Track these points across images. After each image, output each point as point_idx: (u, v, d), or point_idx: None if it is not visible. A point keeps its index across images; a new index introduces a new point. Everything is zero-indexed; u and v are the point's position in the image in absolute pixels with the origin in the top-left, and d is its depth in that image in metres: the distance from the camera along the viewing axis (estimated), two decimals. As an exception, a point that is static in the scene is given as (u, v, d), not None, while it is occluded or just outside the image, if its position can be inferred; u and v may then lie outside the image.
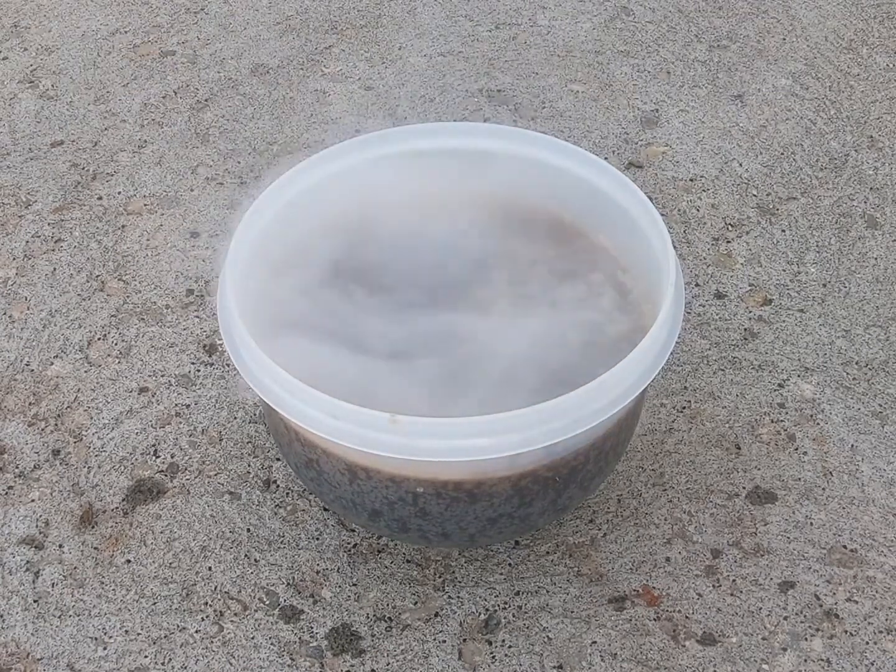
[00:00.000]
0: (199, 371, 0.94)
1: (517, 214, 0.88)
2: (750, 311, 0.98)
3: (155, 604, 0.80)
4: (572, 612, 0.79)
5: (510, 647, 0.77)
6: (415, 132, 0.88)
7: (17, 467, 0.88)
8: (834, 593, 0.79)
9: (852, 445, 0.88)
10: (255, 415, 0.91)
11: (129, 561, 0.82)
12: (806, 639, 0.77)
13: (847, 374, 0.93)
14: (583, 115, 1.18)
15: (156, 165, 1.14)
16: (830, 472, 0.86)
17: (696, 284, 1.01)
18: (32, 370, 0.95)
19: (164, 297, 1.01)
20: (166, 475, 0.87)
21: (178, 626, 0.79)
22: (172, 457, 0.89)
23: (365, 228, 0.87)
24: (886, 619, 0.78)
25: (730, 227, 1.06)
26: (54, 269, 1.04)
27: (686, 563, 0.81)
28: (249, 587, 0.80)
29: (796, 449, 0.88)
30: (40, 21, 1.33)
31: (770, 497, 0.85)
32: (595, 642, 0.77)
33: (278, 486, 0.86)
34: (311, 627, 0.78)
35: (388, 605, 0.79)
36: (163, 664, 0.77)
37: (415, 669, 0.76)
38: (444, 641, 0.78)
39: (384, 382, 0.78)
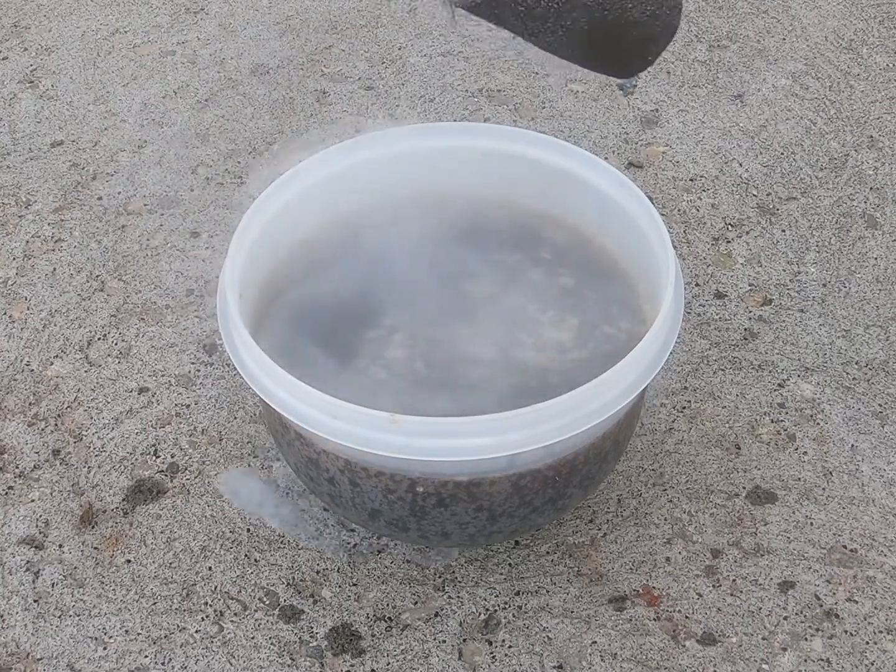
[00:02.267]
0: (199, 371, 0.94)
1: (517, 214, 0.88)
2: (750, 311, 0.98)
3: (155, 604, 0.80)
4: (572, 612, 0.79)
5: (510, 647, 0.77)
6: (415, 132, 0.88)
7: (17, 467, 0.88)
8: (834, 593, 0.79)
9: (852, 445, 0.88)
10: (255, 415, 0.91)
11: (129, 561, 0.82)
12: (806, 639, 0.77)
13: (847, 374, 0.93)
14: (583, 115, 1.18)
15: (156, 165, 1.14)
16: (830, 472, 0.86)
17: (696, 284, 1.01)
18: (32, 370, 0.95)
19: (164, 297, 1.01)
20: (166, 475, 0.87)
21: (178, 626, 0.79)
22: (172, 457, 0.89)
23: (365, 228, 0.87)
24: (886, 619, 0.78)
25: (730, 227, 1.06)
26: (54, 269, 1.04)
27: (686, 563, 0.81)
28: (249, 587, 0.80)
29: (796, 449, 0.88)
30: (40, 21, 1.33)
31: (770, 497, 0.85)
32: (595, 642, 0.77)
33: (278, 486, 0.86)
34: (311, 627, 0.78)
35: (388, 605, 0.79)
36: (163, 664, 0.77)
37: (415, 669, 0.76)
38: (444, 641, 0.78)
39: (381, 383, 0.78)
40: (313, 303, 0.83)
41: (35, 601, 0.80)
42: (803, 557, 0.81)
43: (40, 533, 0.84)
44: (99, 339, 0.97)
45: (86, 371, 0.95)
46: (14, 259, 1.05)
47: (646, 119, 1.17)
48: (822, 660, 0.76)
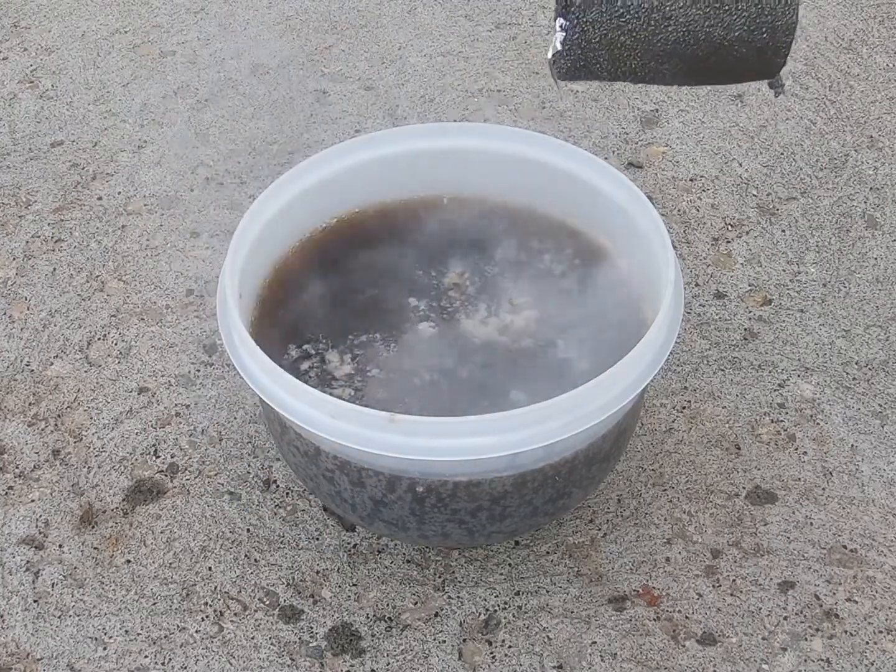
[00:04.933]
0: (199, 371, 0.94)
1: (517, 214, 0.88)
2: (750, 311, 0.98)
3: (155, 604, 0.80)
4: (572, 612, 0.79)
5: (510, 647, 0.77)
6: (415, 132, 0.88)
7: (17, 467, 0.88)
8: (834, 593, 0.79)
9: (852, 445, 0.88)
10: (255, 415, 0.91)
11: (129, 561, 0.82)
12: (806, 639, 0.77)
13: (847, 374, 0.93)
14: (583, 115, 1.18)
15: (156, 165, 1.14)
16: (830, 472, 0.86)
17: (696, 284, 1.01)
18: (32, 370, 0.95)
19: (164, 297, 1.01)
20: (166, 475, 0.87)
21: (178, 626, 0.79)
22: (172, 457, 0.89)
23: (364, 228, 0.87)
24: (886, 619, 0.78)
25: (730, 227, 1.06)
26: (54, 269, 1.04)
27: (686, 563, 0.81)
28: (249, 587, 0.80)
29: (796, 449, 0.88)
30: (40, 21, 1.33)
31: (770, 497, 0.85)
32: (595, 642, 0.77)
33: (278, 486, 0.86)
34: (311, 627, 0.78)
35: (388, 605, 0.79)
36: (163, 664, 0.77)
37: (415, 669, 0.76)
38: (444, 641, 0.78)
39: (382, 381, 0.78)
40: (313, 303, 0.83)
41: (35, 601, 0.80)
42: (803, 557, 0.81)
43: (40, 533, 0.84)
44: (99, 339, 0.97)
45: (86, 371, 0.95)
46: (14, 259, 1.05)
47: (646, 119, 1.17)
48: (822, 660, 0.76)
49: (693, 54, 0.64)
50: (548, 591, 0.80)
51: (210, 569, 0.82)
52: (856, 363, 0.94)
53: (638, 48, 0.64)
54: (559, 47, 0.65)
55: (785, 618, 0.78)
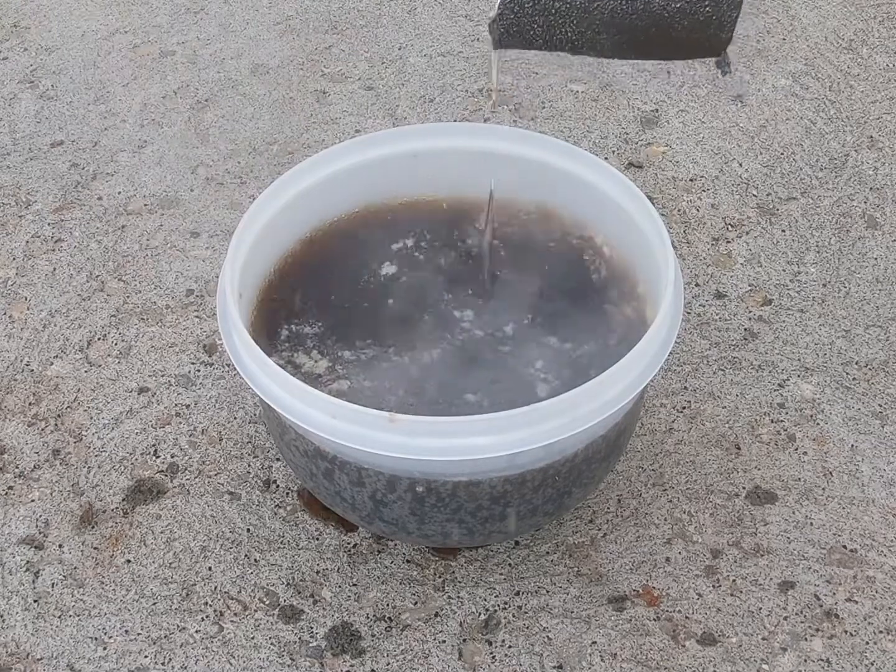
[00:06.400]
0: (199, 371, 0.94)
1: (517, 214, 0.88)
2: (750, 311, 0.98)
3: (155, 604, 0.80)
4: (572, 612, 0.79)
5: (510, 647, 0.77)
6: (415, 132, 0.88)
7: (17, 467, 0.88)
8: (834, 593, 0.79)
9: (852, 445, 0.88)
10: (255, 415, 0.91)
11: (129, 561, 0.82)
12: (806, 639, 0.77)
13: (847, 374, 0.93)
14: (583, 115, 1.18)
15: (156, 165, 1.14)
16: (830, 472, 0.86)
17: (696, 284, 1.01)
18: (32, 370, 0.95)
19: (164, 297, 1.01)
20: (166, 475, 0.87)
21: (178, 626, 0.79)
22: (172, 457, 0.89)
23: (365, 228, 0.87)
24: (886, 619, 0.78)
25: (730, 227, 1.06)
26: (54, 269, 1.04)
27: (686, 563, 0.81)
28: (249, 587, 0.80)
29: (796, 449, 0.88)
30: (40, 21, 1.33)
31: (770, 497, 0.85)
32: (595, 642, 0.77)
33: (278, 486, 0.86)
34: (311, 627, 0.78)
35: (388, 605, 0.79)
36: (163, 664, 0.77)
37: (415, 669, 0.76)
38: (444, 641, 0.77)
39: (383, 380, 0.78)
40: (313, 302, 0.83)
41: (35, 601, 0.80)
42: (803, 557, 0.81)
43: (40, 533, 0.84)
44: (99, 339, 0.97)
45: (86, 371, 0.95)
46: (14, 259, 1.05)
47: (646, 119, 1.17)
48: (822, 660, 0.76)
49: (632, 24, 0.63)
50: (548, 591, 0.80)
51: (210, 569, 0.82)
52: (856, 363, 0.94)
53: (573, 15, 0.63)
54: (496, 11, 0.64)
55: (785, 618, 0.78)
